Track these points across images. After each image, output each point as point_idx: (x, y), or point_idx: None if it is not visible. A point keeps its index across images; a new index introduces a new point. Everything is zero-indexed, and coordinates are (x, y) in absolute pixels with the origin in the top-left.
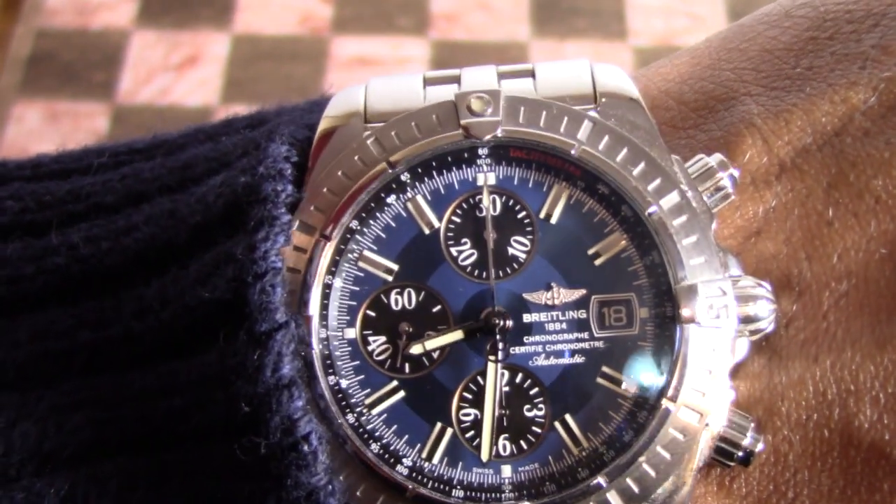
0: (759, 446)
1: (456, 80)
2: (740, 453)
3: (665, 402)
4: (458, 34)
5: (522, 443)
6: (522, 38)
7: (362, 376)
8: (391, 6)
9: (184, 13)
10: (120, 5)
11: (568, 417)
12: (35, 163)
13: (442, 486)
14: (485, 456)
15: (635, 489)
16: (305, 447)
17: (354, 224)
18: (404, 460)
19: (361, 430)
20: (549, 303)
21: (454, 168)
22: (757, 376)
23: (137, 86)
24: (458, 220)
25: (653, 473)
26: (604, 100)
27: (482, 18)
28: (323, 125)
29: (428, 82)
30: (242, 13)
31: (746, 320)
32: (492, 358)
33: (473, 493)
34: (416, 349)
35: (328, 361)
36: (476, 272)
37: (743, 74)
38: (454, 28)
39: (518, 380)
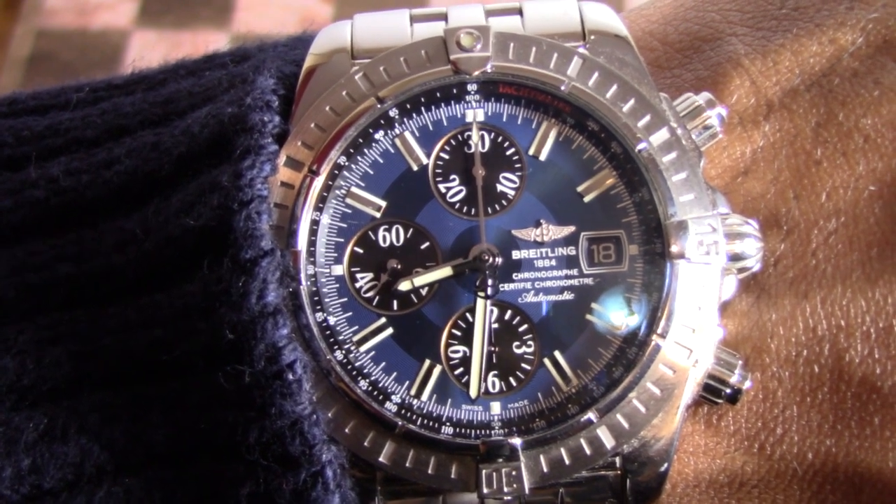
0: (747, 384)
1: (443, 17)
2: (728, 391)
3: (655, 338)
4: None
5: (511, 379)
6: None
7: (350, 313)
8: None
9: (184, 13)
10: (120, 5)
11: (557, 354)
12: (11, 99)
13: (431, 423)
14: (473, 393)
15: (625, 425)
16: (290, 375)
17: (342, 160)
18: (393, 397)
19: (350, 367)
20: (539, 239)
21: (443, 104)
22: (745, 314)
23: None
24: (446, 156)
25: (643, 409)
26: (592, 37)
27: None
28: (309, 61)
29: (414, 19)
30: (242, 13)
31: (734, 258)
32: (481, 294)
33: (463, 430)
34: (404, 286)
35: (316, 298)
36: (464, 209)
37: (728, 15)
38: None
39: (507, 316)
